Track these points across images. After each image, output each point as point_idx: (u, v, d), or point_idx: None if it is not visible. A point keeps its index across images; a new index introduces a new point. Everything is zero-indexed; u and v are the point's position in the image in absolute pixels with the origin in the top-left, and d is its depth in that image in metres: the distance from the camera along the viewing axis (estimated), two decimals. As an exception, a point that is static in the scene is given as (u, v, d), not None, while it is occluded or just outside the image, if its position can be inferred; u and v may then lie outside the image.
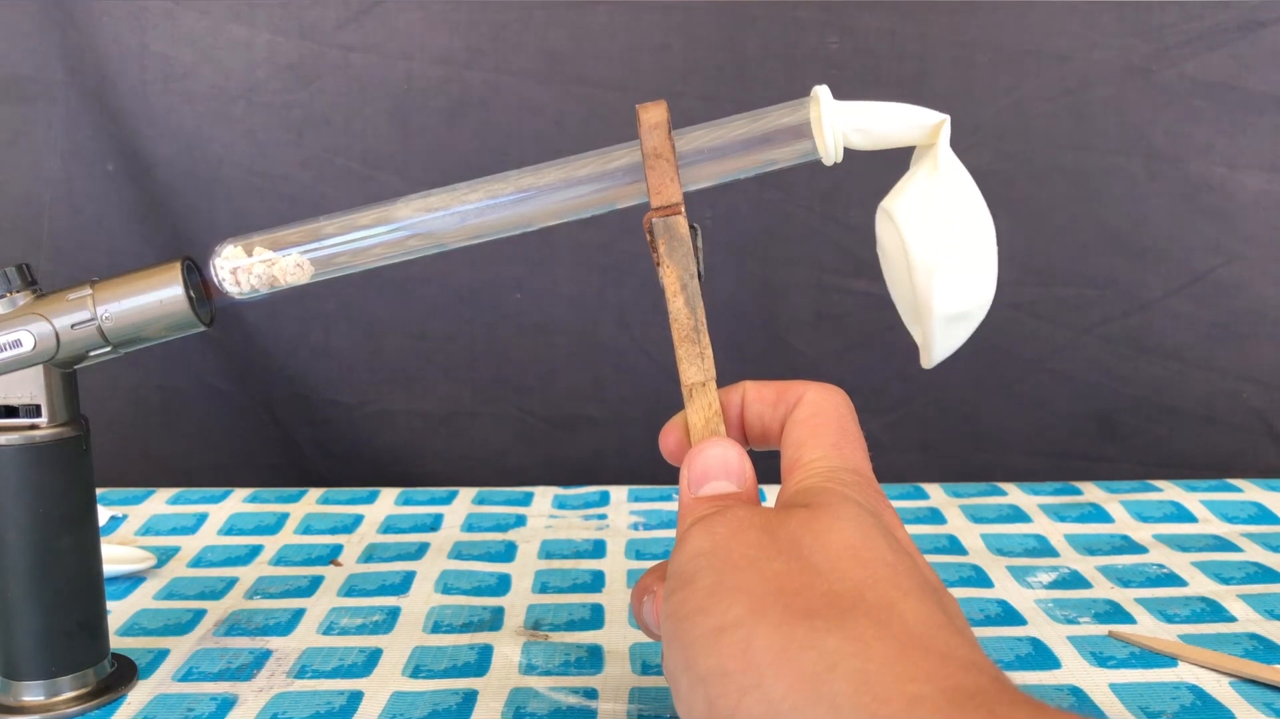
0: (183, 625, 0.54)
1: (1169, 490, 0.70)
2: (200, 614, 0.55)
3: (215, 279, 0.42)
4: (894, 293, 0.42)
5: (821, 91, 0.40)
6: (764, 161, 0.41)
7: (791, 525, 0.33)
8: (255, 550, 0.64)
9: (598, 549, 0.63)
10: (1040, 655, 0.49)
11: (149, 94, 0.77)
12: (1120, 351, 0.80)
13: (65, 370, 0.45)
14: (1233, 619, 0.53)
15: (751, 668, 0.29)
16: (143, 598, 0.57)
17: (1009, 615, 0.54)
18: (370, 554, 0.63)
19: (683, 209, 0.39)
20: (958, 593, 0.56)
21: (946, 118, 0.40)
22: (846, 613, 0.30)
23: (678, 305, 0.39)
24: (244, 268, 0.42)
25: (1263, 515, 0.66)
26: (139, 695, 0.47)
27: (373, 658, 0.50)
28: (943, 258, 0.39)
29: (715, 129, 0.41)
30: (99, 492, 0.48)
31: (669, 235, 0.39)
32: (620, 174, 0.41)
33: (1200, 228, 0.78)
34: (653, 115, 0.40)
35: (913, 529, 0.64)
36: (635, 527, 0.67)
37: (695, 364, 0.39)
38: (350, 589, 0.58)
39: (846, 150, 0.40)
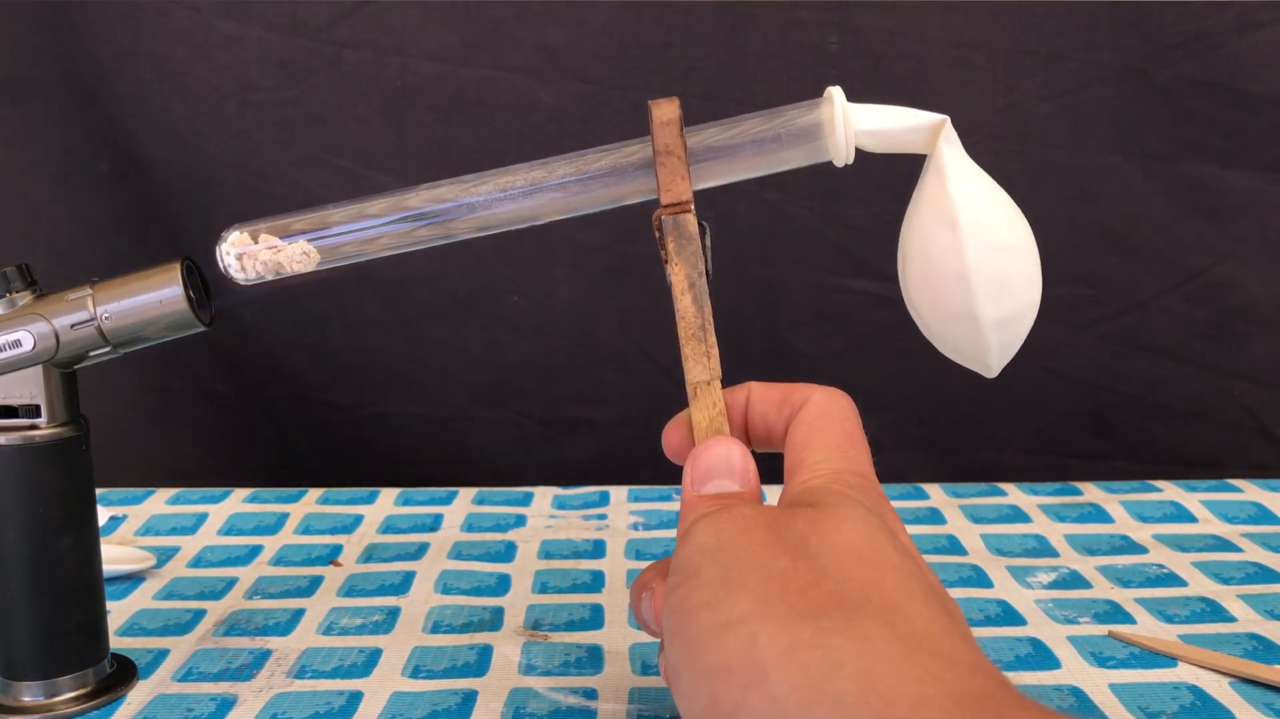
0: (182, 626, 0.54)
1: (1169, 490, 0.70)
2: (200, 614, 0.55)
3: (220, 264, 0.42)
4: (922, 308, 0.41)
5: (835, 93, 0.40)
6: (775, 161, 0.40)
7: (797, 524, 0.33)
8: (255, 551, 0.64)
9: (597, 549, 0.63)
10: (1040, 656, 0.50)
11: (143, 93, 0.77)
12: (1115, 350, 0.81)
13: (65, 370, 0.45)
14: (1233, 619, 0.53)
15: (756, 665, 0.29)
16: (142, 598, 0.57)
17: (1009, 616, 0.54)
18: (370, 554, 0.63)
19: (692, 207, 0.39)
20: (957, 593, 0.56)
21: (945, 118, 0.40)
22: (853, 613, 0.30)
23: (685, 303, 0.39)
24: (249, 254, 0.42)
25: (1262, 515, 0.67)
26: (139, 696, 0.47)
27: (372, 658, 0.50)
28: (978, 266, 0.38)
29: (727, 127, 0.40)
30: (99, 492, 0.48)
31: (678, 233, 0.39)
32: (630, 169, 0.41)
33: (1194, 227, 0.78)
34: (665, 111, 0.39)
35: (913, 529, 0.64)
36: (635, 527, 0.67)
37: (701, 363, 0.39)
38: (350, 589, 0.58)
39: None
